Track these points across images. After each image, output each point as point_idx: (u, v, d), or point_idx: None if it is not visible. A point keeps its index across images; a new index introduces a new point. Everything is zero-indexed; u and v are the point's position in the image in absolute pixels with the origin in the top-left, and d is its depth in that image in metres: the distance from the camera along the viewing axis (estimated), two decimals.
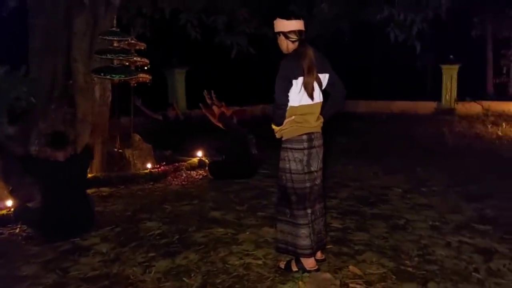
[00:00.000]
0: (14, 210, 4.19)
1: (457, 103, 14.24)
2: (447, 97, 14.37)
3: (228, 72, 14.95)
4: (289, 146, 3.03)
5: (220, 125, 6.10)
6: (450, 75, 14.36)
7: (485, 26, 16.84)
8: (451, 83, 14.30)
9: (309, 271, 3.06)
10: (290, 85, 2.90)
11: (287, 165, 3.04)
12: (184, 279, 3.04)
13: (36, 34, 5.61)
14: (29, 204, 4.34)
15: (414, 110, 14.49)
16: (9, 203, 4.34)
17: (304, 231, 3.03)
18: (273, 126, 3.07)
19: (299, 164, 3.01)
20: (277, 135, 3.09)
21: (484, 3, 14.87)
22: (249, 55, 8.11)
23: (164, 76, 12.31)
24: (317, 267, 3.10)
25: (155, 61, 6.38)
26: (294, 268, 3.09)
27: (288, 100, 2.94)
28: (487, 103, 13.96)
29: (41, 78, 5.44)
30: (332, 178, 5.84)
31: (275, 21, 3.03)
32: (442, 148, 8.23)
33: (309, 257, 3.08)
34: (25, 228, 4.05)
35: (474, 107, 13.86)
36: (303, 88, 2.91)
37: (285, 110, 2.97)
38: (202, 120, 9.87)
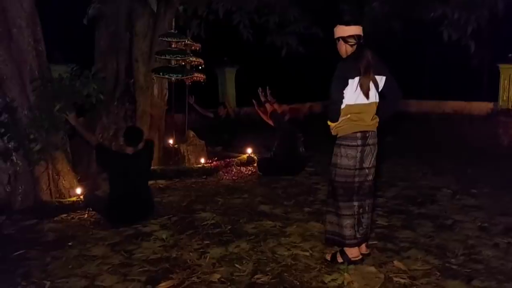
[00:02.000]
0: (84, 197, 4.62)
1: None
2: (505, 97, 13.74)
3: (276, 71, 15.13)
4: (343, 142, 3.18)
5: (270, 123, 6.30)
6: (508, 74, 13.72)
7: None
8: (509, 83, 13.68)
9: (354, 262, 3.21)
10: (346, 83, 3.07)
11: (338, 161, 3.20)
12: (237, 265, 3.28)
13: (101, 37, 6.08)
14: (97, 192, 4.75)
15: (468, 111, 14.02)
16: (79, 191, 4.77)
17: (349, 222, 3.20)
18: (329, 123, 3.24)
19: (352, 160, 3.16)
20: (333, 132, 3.26)
21: None
22: (298, 55, 8.24)
23: (215, 75, 12.69)
24: (360, 257, 3.26)
25: (207, 60, 6.69)
26: (340, 260, 3.25)
27: (342, 97, 3.09)
28: None
29: (106, 76, 5.89)
30: (380, 177, 5.87)
31: (335, 28, 3.24)
32: (496, 150, 8.01)
33: (353, 247, 3.24)
34: (93, 214, 4.46)
35: None
36: (359, 88, 3.07)
37: (339, 107, 3.12)
38: (251, 118, 10.17)
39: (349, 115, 3.13)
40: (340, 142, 3.21)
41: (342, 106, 3.14)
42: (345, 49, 3.19)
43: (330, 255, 3.35)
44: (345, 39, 3.16)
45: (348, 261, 3.22)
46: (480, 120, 12.53)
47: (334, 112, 3.16)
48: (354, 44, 3.15)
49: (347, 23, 3.19)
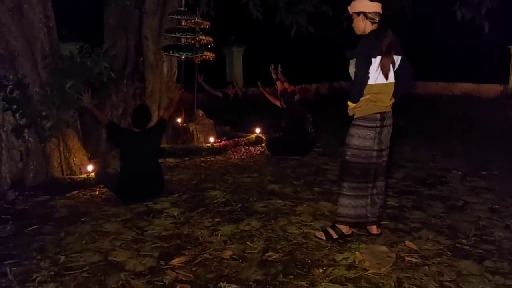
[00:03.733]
0: (95, 174, 4.65)
1: None
2: None
3: (283, 52, 15.00)
4: (361, 123, 3.13)
5: (277, 103, 6.27)
6: None
7: None
8: None
9: (347, 236, 3.31)
10: (370, 62, 3.00)
11: (355, 141, 3.16)
12: (248, 243, 3.31)
13: (110, 14, 6.02)
14: (108, 170, 4.78)
15: (478, 93, 13.86)
16: (90, 168, 4.80)
17: (361, 202, 3.22)
18: (349, 103, 3.16)
19: (370, 141, 3.13)
20: (350, 113, 3.19)
21: None
22: (306, 35, 8.14)
23: (223, 55, 12.58)
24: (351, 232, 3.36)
25: (215, 39, 6.62)
26: (334, 235, 3.33)
27: (368, 77, 3.02)
28: None
29: (115, 54, 5.85)
30: (389, 158, 5.86)
31: (355, 2, 3.11)
32: (506, 133, 7.94)
33: (371, 225, 3.35)
34: (104, 191, 4.49)
35: None
36: (380, 68, 3.01)
37: (363, 87, 3.05)
38: (258, 98, 10.11)
39: (368, 96, 3.07)
40: (359, 123, 3.15)
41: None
42: (363, 25, 3.10)
43: (321, 233, 3.39)
44: (366, 14, 3.06)
45: (340, 234, 3.30)
46: (490, 102, 12.42)
47: (358, 92, 3.07)
48: (375, 22, 3.06)
49: None
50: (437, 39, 20.88)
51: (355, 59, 3.13)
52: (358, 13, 3.09)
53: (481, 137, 7.50)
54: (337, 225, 3.33)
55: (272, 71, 6.25)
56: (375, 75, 3.04)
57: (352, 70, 3.19)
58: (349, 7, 3.17)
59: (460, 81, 14.82)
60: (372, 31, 3.07)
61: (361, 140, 3.14)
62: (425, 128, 8.45)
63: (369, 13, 3.05)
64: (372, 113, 3.11)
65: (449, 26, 12.37)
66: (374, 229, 3.40)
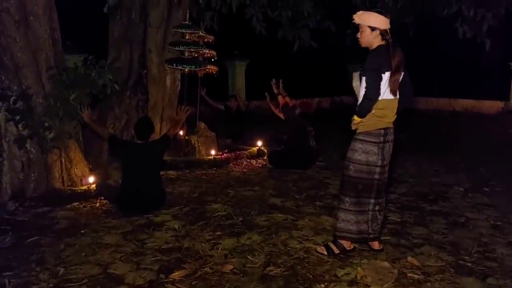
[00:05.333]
0: (96, 185, 4.64)
1: None
2: None
3: (286, 66, 15.10)
4: (365, 138, 3.11)
5: (281, 116, 6.29)
6: None
7: None
8: None
9: (348, 252, 3.28)
10: (381, 78, 2.97)
11: (358, 156, 3.14)
12: (249, 257, 3.28)
13: (115, 27, 6.08)
14: (109, 182, 4.77)
15: (479, 109, 13.92)
16: (91, 179, 4.80)
17: (363, 217, 3.20)
18: (355, 117, 3.12)
19: (374, 156, 3.10)
20: (353, 127, 3.16)
21: None
22: (309, 49, 8.20)
23: (225, 68, 12.68)
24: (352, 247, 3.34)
25: (218, 53, 6.68)
26: (336, 251, 3.29)
27: (379, 93, 2.98)
28: None
29: (119, 67, 5.90)
30: (390, 173, 5.85)
31: (369, 15, 3.04)
32: (507, 149, 7.93)
33: (373, 241, 3.30)
34: (105, 203, 4.48)
35: None
36: (388, 84, 3.00)
37: (374, 103, 3.00)
38: (261, 111, 10.16)
39: (373, 111, 3.04)
40: (362, 138, 3.13)
41: None
42: (372, 39, 3.05)
43: (323, 248, 3.36)
44: (381, 31, 3.02)
45: (342, 249, 3.28)
46: (491, 118, 12.44)
47: (369, 108, 3.01)
48: (386, 39, 3.04)
49: (386, 15, 3.03)
50: (438, 55, 21.01)
51: (358, 73, 3.12)
52: (372, 28, 3.04)
53: (483, 153, 7.49)
54: (339, 240, 3.31)
55: (273, 86, 6.29)
56: (382, 91, 3.01)
57: (356, 83, 3.18)
58: (357, 17, 3.10)
59: (461, 97, 14.87)
60: (381, 46, 3.04)
61: (365, 155, 3.12)
62: (426, 143, 8.44)
63: (383, 30, 3.03)
64: (376, 128, 3.09)
65: (450, 43, 12.45)
66: (376, 244, 3.37)
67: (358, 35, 3.13)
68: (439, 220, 4.16)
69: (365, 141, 3.12)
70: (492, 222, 4.10)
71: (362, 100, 3.06)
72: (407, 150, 7.57)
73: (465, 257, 3.32)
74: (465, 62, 18.72)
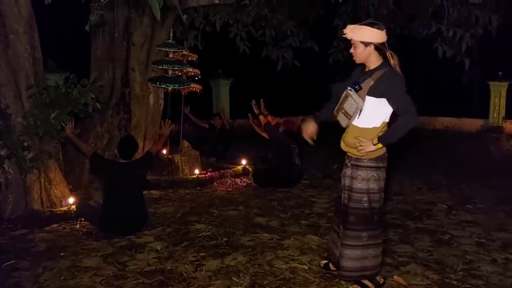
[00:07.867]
0: (76, 206, 4.52)
1: (505, 121, 13.79)
2: (495, 114, 13.94)
3: (270, 84, 15.22)
4: (380, 164, 2.94)
5: (265, 135, 6.27)
6: (498, 92, 13.94)
7: None
8: (500, 100, 13.87)
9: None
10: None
11: (373, 185, 2.93)
12: (233, 278, 3.21)
13: (98, 45, 6.04)
14: (89, 202, 4.66)
15: (459, 127, 14.18)
16: (71, 200, 4.68)
17: (380, 249, 3.07)
18: (377, 144, 2.85)
19: (383, 182, 2.97)
20: (365, 153, 2.90)
21: None
22: (293, 68, 8.28)
23: (210, 86, 12.70)
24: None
25: (202, 71, 6.68)
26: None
27: None
28: None
29: (102, 86, 5.82)
30: None
31: (362, 29, 2.78)
32: (488, 166, 8.06)
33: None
34: (85, 224, 4.36)
35: None
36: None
37: None
38: (245, 130, 10.13)
39: (381, 133, 2.89)
40: (378, 165, 2.93)
41: (380, 124, 2.89)
42: (369, 55, 2.82)
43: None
44: (378, 46, 2.79)
45: (377, 285, 3.07)
46: (471, 136, 12.67)
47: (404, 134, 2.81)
48: (384, 52, 2.83)
49: (381, 27, 2.76)
50: (419, 74, 21.49)
51: (354, 91, 2.86)
52: (366, 44, 2.79)
53: (464, 171, 7.58)
54: (375, 277, 3.08)
55: (253, 106, 6.18)
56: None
57: (351, 102, 2.88)
58: (349, 32, 2.82)
59: (442, 115, 15.15)
60: (392, 65, 2.85)
61: (378, 182, 2.95)
62: (409, 161, 8.51)
63: (381, 43, 2.79)
64: (385, 152, 2.96)
65: (431, 62, 12.75)
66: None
67: (351, 50, 2.89)
68: (424, 237, 4.16)
69: (380, 167, 2.94)
70: (476, 240, 4.12)
71: (410, 122, 2.83)
72: (390, 167, 7.61)
73: (451, 275, 3.31)
74: (446, 81, 19.18)
